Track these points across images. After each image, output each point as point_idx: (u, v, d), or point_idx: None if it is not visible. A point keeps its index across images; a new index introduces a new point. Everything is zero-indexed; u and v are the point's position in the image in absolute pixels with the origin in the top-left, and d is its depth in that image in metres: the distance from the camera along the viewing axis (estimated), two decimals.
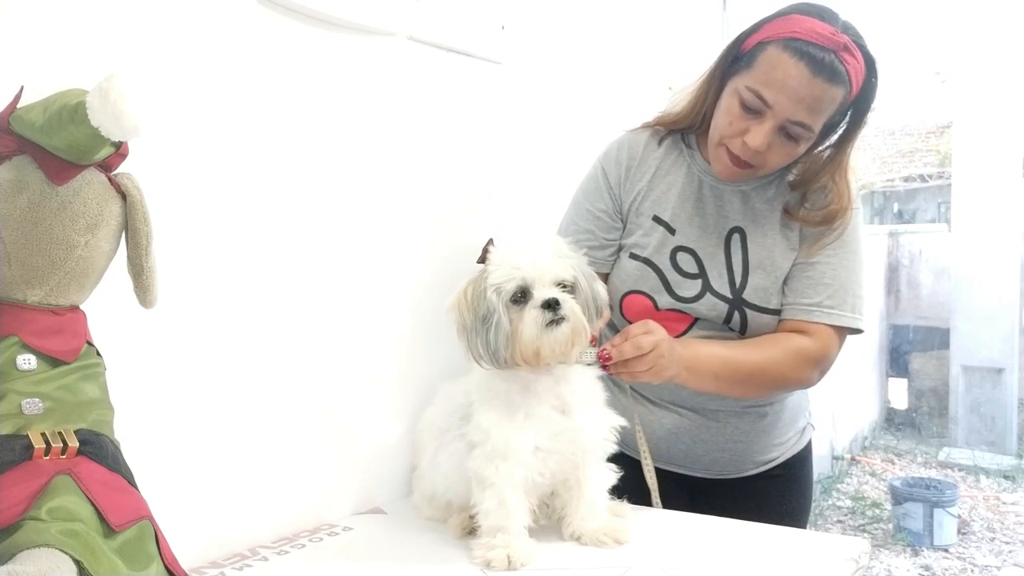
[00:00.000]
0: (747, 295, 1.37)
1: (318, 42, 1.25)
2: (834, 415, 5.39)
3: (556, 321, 1.10)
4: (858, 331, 1.38)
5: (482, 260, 1.16)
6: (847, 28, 1.25)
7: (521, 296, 1.12)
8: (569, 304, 1.12)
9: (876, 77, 1.29)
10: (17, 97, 0.77)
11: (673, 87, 2.09)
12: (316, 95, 1.26)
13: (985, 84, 6.41)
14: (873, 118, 1.35)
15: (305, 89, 1.24)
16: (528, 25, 1.68)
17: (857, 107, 1.31)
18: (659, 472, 1.45)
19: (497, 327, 1.10)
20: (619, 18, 1.99)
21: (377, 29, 1.34)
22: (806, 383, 1.40)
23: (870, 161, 10.10)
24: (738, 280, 1.38)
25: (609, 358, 1.22)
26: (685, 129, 1.44)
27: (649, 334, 1.23)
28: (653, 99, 2.01)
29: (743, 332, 1.38)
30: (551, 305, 1.10)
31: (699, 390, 1.35)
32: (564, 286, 1.14)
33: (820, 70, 1.21)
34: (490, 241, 1.17)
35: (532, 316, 1.10)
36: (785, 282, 1.38)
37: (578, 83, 1.84)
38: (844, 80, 1.23)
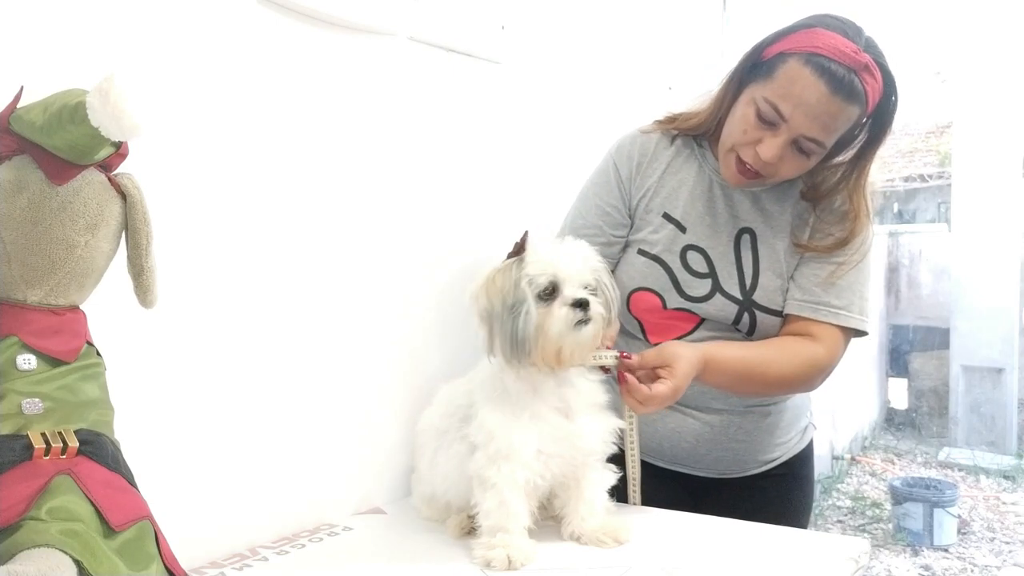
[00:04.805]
0: (757, 297, 1.38)
1: (318, 42, 1.25)
2: (834, 415, 5.39)
3: (583, 321, 1.11)
4: (864, 333, 1.38)
5: (515, 253, 1.15)
6: (869, 46, 1.25)
7: (550, 293, 1.12)
8: (596, 307, 1.12)
9: (895, 95, 1.28)
10: (17, 97, 0.77)
11: (673, 87, 2.09)
12: (316, 95, 1.26)
13: (985, 84, 6.41)
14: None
15: (305, 89, 1.24)
16: (528, 25, 1.68)
17: (875, 124, 1.31)
18: (663, 472, 1.46)
19: (526, 317, 1.09)
20: (619, 18, 1.99)
21: (377, 29, 1.34)
22: (810, 389, 1.42)
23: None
24: (748, 281, 1.38)
25: (628, 358, 1.24)
26: (700, 134, 1.45)
27: (667, 375, 1.23)
28: (653, 99, 2.02)
29: (751, 334, 1.39)
30: (581, 305, 1.11)
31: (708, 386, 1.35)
32: (591, 290, 1.14)
33: (839, 88, 1.21)
34: (526, 234, 1.16)
35: (562, 313, 1.11)
36: (792, 277, 1.38)
37: (578, 83, 1.84)
38: (861, 99, 1.24)
